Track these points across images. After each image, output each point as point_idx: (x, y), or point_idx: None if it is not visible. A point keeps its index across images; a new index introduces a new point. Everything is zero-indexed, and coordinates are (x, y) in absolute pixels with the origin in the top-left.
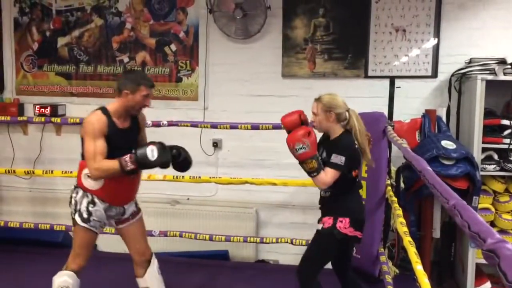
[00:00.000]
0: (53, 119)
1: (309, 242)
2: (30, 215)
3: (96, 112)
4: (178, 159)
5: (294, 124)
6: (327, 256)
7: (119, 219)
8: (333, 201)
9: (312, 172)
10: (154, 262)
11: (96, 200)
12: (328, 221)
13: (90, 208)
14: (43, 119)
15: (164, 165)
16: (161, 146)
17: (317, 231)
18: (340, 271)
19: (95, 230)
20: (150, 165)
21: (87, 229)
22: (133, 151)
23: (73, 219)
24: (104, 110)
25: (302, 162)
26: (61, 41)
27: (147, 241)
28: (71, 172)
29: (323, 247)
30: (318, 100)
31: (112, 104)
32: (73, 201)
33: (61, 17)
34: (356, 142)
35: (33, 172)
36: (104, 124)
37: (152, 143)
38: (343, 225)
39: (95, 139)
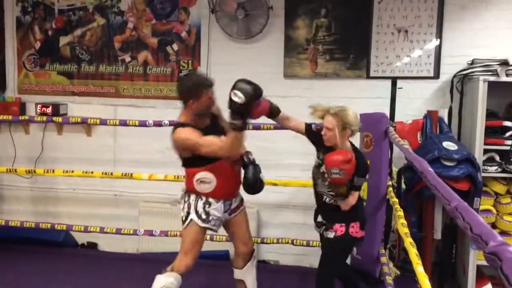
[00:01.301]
0: (54, 118)
1: (310, 242)
2: (31, 214)
3: (178, 131)
4: (251, 182)
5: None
6: (342, 260)
7: (230, 210)
8: (340, 208)
9: (339, 196)
10: (255, 259)
11: (210, 200)
12: (341, 228)
13: (207, 209)
14: (44, 118)
15: (257, 93)
16: (240, 82)
17: (329, 239)
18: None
19: (214, 229)
20: (244, 105)
21: (207, 229)
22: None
23: (187, 220)
24: (181, 124)
25: (333, 185)
26: (63, 40)
27: (250, 234)
28: (72, 171)
29: (340, 253)
30: (334, 115)
31: (183, 117)
32: (186, 205)
33: (63, 16)
34: None
35: (35, 171)
36: (194, 130)
37: (232, 87)
38: (355, 229)
39: (200, 140)
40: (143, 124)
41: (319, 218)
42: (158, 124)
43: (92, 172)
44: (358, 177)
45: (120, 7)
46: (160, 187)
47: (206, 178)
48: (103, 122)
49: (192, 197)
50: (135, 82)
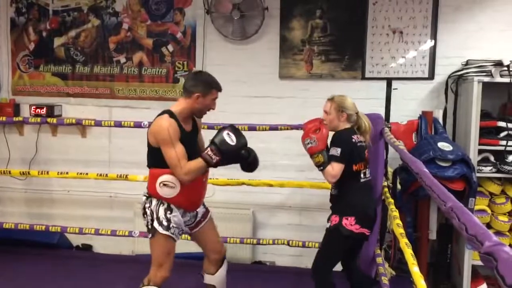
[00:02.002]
0: (49, 119)
1: (305, 243)
2: (25, 216)
3: (164, 117)
4: (248, 159)
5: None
6: (336, 253)
7: (193, 223)
8: (340, 199)
9: (319, 166)
10: (225, 264)
11: (172, 206)
12: (335, 219)
13: (168, 215)
14: (39, 119)
15: (244, 148)
16: (233, 127)
17: (326, 229)
18: (348, 268)
19: (175, 238)
20: (232, 150)
21: (169, 236)
22: (210, 142)
23: (151, 228)
24: (171, 113)
25: (310, 156)
26: (58, 41)
27: (220, 239)
28: (67, 173)
29: (332, 244)
30: (331, 100)
31: (177, 106)
32: (148, 211)
33: (57, 17)
34: (358, 138)
35: (29, 173)
36: (177, 128)
37: (224, 128)
38: (349, 222)
39: (174, 145)
40: (138, 125)
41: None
42: None
43: (87, 174)
44: (333, 147)
45: (115, 8)
46: None
47: (170, 182)
48: (98, 123)
49: (154, 202)
50: (130, 83)
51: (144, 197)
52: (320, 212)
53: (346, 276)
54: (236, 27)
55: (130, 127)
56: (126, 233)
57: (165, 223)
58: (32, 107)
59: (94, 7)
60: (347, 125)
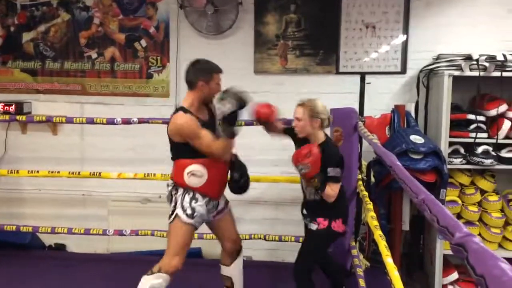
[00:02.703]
0: (18, 117)
1: (281, 237)
2: None
3: (179, 114)
4: (239, 182)
5: (268, 117)
6: (321, 254)
7: (215, 212)
8: (327, 203)
9: (317, 189)
10: (241, 256)
11: (198, 195)
12: (324, 222)
13: (193, 204)
14: (7, 117)
15: (241, 104)
16: (223, 94)
17: (312, 231)
18: (322, 262)
19: (196, 226)
20: (232, 113)
21: (191, 225)
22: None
23: (174, 216)
24: (183, 109)
25: (307, 181)
26: (26, 36)
27: (237, 231)
28: (37, 171)
29: (320, 246)
30: (302, 105)
31: (186, 100)
32: (173, 199)
33: (26, 11)
34: None
35: None
36: (194, 119)
37: (220, 96)
38: (337, 224)
39: (200, 134)
40: (111, 121)
41: (304, 211)
42: (127, 121)
43: (58, 172)
44: (332, 167)
45: (86, 2)
46: (129, 185)
47: (198, 171)
48: (69, 120)
49: (180, 191)
50: (102, 79)
51: (170, 187)
52: (296, 206)
53: (320, 267)
54: (210, 22)
55: (102, 123)
56: (100, 232)
57: (189, 211)
58: (0, 104)
59: (64, 2)
60: (321, 132)
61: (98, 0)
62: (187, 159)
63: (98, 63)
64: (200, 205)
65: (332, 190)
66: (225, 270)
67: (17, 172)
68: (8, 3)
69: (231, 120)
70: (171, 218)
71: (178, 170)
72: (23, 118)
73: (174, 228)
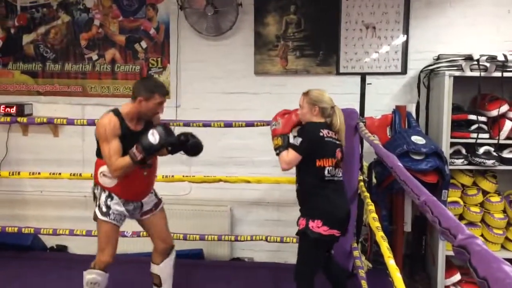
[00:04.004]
0: (19, 119)
1: (283, 239)
2: None
3: (108, 115)
4: (187, 143)
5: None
6: (312, 256)
7: (142, 212)
8: (304, 200)
9: (275, 149)
10: (173, 256)
11: (113, 194)
12: (302, 222)
13: (108, 202)
14: (8, 119)
15: (171, 146)
16: (162, 128)
17: (296, 233)
18: (324, 265)
19: (115, 223)
20: (155, 149)
21: (108, 222)
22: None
23: (94, 213)
24: (116, 111)
25: (272, 139)
26: (27, 38)
27: (169, 230)
28: (39, 173)
29: (304, 249)
30: (305, 94)
31: (126, 106)
32: (95, 197)
33: (26, 13)
34: (328, 133)
35: None
36: (116, 126)
37: (153, 126)
38: (316, 224)
39: (109, 141)
40: None
41: None
42: None
43: (60, 174)
44: (296, 136)
45: (86, 4)
46: None
47: (108, 173)
48: (70, 122)
49: (98, 189)
50: (102, 81)
51: (92, 184)
52: (298, 208)
53: (322, 271)
54: (210, 23)
55: None
56: None
57: (104, 209)
58: (1, 106)
59: (64, 3)
60: (321, 120)
61: (98, 2)
62: (102, 160)
63: (98, 65)
64: (115, 203)
65: (286, 156)
66: (155, 268)
67: (19, 174)
68: (8, 5)
69: (147, 150)
70: (93, 216)
71: (95, 168)
72: (24, 120)
73: (98, 226)
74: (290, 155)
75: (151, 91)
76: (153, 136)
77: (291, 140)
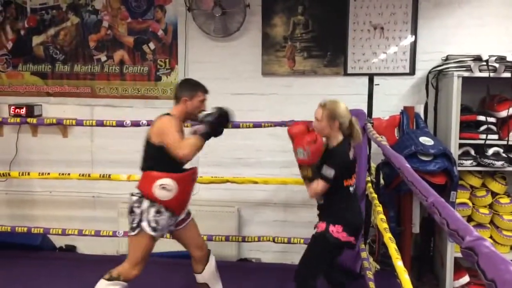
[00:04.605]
0: (29, 119)
1: (291, 239)
2: (6, 218)
3: (166, 116)
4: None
5: (302, 132)
6: (321, 260)
7: (175, 223)
8: (327, 208)
9: (305, 179)
10: (212, 260)
11: (162, 209)
12: (322, 225)
13: (157, 217)
14: (18, 119)
15: (223, 115)
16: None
17: (312, 235)
18: (326, 272)
19: (158, 239)
20: (215, 118)
21: (153, 238)
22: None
23: (136, 227)
24: (169, 115)
25: (299, 166)
26: (36, 40)
27: (202, 237)
28: (48, 173)
29: (318, 251)
30: (323, 106)
31: (174, 110)
32: (137, 211)
33: (36, 15)
34: (352, 153)
35: (9, 174)
36: (178, 123)
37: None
38: (336, 229)
39: (175, 132)
40: (120, 124)
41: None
42: (136, 124)
43: (69, 174)
44: (328, 166)
45: (95, 6)
46: None
47: (168, 185)
48: (79, 123)
49: (145, 203)
50: (111, 82)
51: (135, 197)
52: (305, 208)
53: (323, 275)
54: (217, 24)
55: (112, 126)
56: (110, 233)
57: (153, 224)
58: (11, 107)
59: (73, 5)
60: (339, 134)
61: (107, 4)
62: (160, 172)
63: (107, 66)
64: (163, 218)
65: (317, 186)
66: (199, 278)
67: (28, 174)
68: (18, 7)
69: (212, 124)
70: (135, 231)
71: (147, 181)
72: (34, 120)
73: (138, 240)
74: (321, 186)
75: (193, 89)
76: (206, 116)
77: (323, 171)
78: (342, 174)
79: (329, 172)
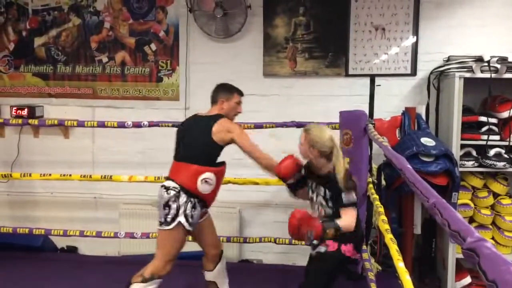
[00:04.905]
0: (30, 121)
1: (292, 240)
2: (8, 219)
3: (223, 118)
4: None
5: (291, 170)
6: (331, 278)
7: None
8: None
9: (336, 235)
10: (224, 260)
11: (196, 204)
12: (333, 245)
13: (192, 212)
14: (20, 121)
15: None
16: None
17: (320, 253)
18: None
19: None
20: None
21: (188, 232)
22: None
23: (171, 221)
24: (223, 116)
25: (321, 238)
26: (38, 41)
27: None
28: (50, 174)
29: (329, 270)
30: (306, 131)
31: (214, 110)
32: (173, 205)
33: (37, 16)
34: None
35: (11, 175)
36: None
37: None
38: (347, 248)
39: (248, 137)
40: (121, 125)
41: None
42: (137, 125)
43: (70, 175)
44: (346, 193)
45: (96, 7)
46: (140, 188)
47: (210, 179)
48: (81, 124)
49: (183, 198)
50: (112, 83)
51: (173, 191)
52: (306, 209)
53: None
54: (219, 25)
55: (113, 127)
56: (112, 234)
57: (190, 219)
58: (13, 108)
59: (74, 6)
60: (321, 160)
61: (108, 5)
62: (204, 166)
63: (108, 67)
64: (196, 213)
65: (351, 218)
66: (209, 275)
67: (30, 175)
68: (20, 8)
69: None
70: (171, 225)
71: (192, 175)
72: (35, 122)
73: (173, 234)
74: (352, 214)
75: (230, 91)
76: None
77: (344, 199)
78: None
79: (351, 196)
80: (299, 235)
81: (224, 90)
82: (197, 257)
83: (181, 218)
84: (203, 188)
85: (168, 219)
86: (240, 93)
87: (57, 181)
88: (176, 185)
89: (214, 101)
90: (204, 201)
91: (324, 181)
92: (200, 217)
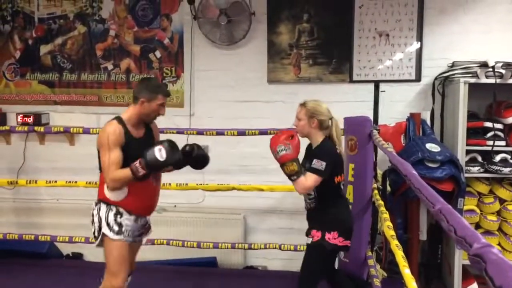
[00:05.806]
0: (36, 128)
1: (297, 247)
2: (14, 226)
3: (111, 122)
4: (191, 155)
5: (277, 135)
6: (321, 268)
7: (142, 231)
8: (320, 214)
9: (292, 175)
10: (129, 277)
11: (122, 210)
12: (317, 234)
13: (118, 219)
14: (26, 128)
15: (176, 164)
16: (169, 144)
17: (308, 245)
18: (328, 276)
19: (130, 241)
20: (160, 166)
21: (122, 242)
22: (142, 155)
23: (100, 236)
24: (119, 119)
25: (282, 165)
26: (44, 49)
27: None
28: (55, 181)
29: (316, 260)
30: (303, 105)
31: (126, 112)
32: (96, 219)
33: (43, 25)
34: (338, 149)
35: (17, 182)
36: (121, 135)
37: (160, 142)
38: (332, 236)
39: (110, 151)
40: None
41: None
42: None
43: (76, 182)
44: (318, 159)
45: (101, 15)
46: None
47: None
48: (86, 131)
49: (103, 209)
50: (118, 90)
51: (94, 204)
52: None
53: (326, 279)
54: (223, 32)
55: None
56: None
57: (116, 228)
58: (19, 116)
59: (80, 14)
60: (319, 132)
61: (114, 13)
62: None
63: (114, 75)
64: (126, 218)
65: (307, 181)
66: None
67: (36, 182)
68: (26, 17)
69: (151, 167)
70: (99, 239)
71: (100, 184)
72: (41, 129)
73: (106, 247)
74: (311, 180)
75: (154, 91)
76: (160, 153)
77: (313, 164)
78: (333, 169)
79: (320, 163)
80: (273, 147)
81: (147, 89)
82: (197, 264)
83: (104, 229)
84: (111, 195)
85: (95, 234)
86: (166, 94)
87: (62, 188)
88: (96, 198)
89: (134, 98)
90: (128, 210)
91: (312, 151)
92: (141, 233)
